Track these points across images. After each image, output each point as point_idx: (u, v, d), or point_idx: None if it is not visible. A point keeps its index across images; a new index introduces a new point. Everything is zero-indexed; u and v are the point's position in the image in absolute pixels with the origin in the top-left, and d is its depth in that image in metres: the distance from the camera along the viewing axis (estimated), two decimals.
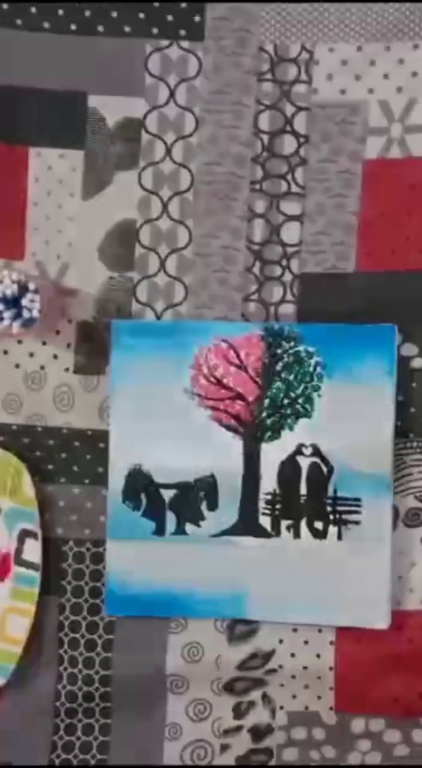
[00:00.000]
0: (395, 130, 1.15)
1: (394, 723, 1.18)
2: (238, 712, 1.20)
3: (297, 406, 1.17)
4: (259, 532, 1.17)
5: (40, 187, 1.18)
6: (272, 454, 1.17)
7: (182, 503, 1.18)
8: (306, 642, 1.19)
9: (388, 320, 1.16)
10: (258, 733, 1.20)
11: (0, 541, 1.19)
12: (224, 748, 1.20)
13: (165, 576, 1.17)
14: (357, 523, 1.16)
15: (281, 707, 1.19)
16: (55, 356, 1.20)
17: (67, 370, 1.20)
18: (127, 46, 1.16)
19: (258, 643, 1.19)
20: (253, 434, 1.17)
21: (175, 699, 1.20)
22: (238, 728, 1.20)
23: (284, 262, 1.18)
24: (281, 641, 1.19)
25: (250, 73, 1.16)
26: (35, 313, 1.09)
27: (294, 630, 1.19)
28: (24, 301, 1.09)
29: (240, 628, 1.19)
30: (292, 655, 1.19)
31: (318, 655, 1.19)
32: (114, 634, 1.20)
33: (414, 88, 1.15)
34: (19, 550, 1.18)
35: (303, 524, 1.17)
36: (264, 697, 1.19)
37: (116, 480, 1.18)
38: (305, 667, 1.19)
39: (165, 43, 1.16)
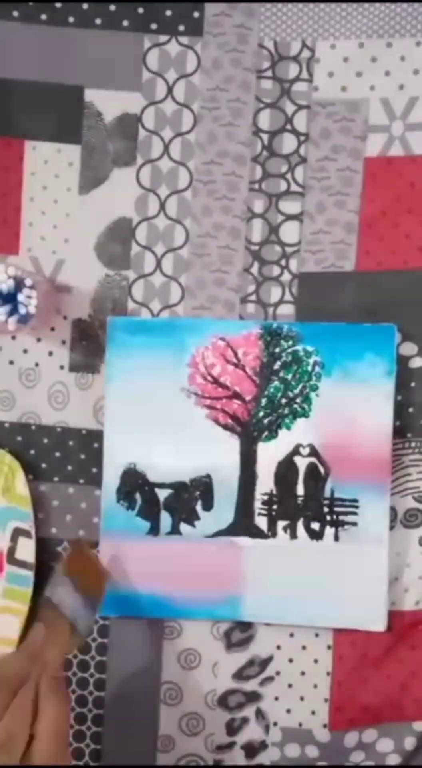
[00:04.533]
0: (396, 127, 1.15)
1: (387, 731, 1.17)
2: (231, 728, 1.19)
3: (295, 406, 1.16)
4: (255, 533, 1.16)
5: (36, 181, 1.17)
6: (269, 454, 1.16)
7: (177, 503, 1.16)
8: (304, 647, 1.18)
9: (388, 320, 1.15)
10: (252, 750, 1.18)
11: None
12: (217, 763, 1.18)
13: (159, 576, 1.16)
14: (354, 524, 1.15)
15: (275, 723, 1.18)
16: (50, 353, 1.19)
17: (61, 367, 1.19)
18: (125, 40, 1.15)
19: (256, 650, 1.18)
20: (250, 434, 1.16)
21: (168, 711, 1.18)
22: (231, 744, 1.19)
23: (283, 262, 1.17)
24: (279, 647, 1.18)
25: (250, 70, 1.16)
26: (32, 309, 1.07)
27: (291, 635, 1.18)
28: (20, 297, 1.07)
29: (237, 635, 1.18)
30: (290, 660, 1.18)
31: (315, 661, 1.18)
32: (108, 638, 1.19)
33: (416, 85, 1.14)
34: (12, 549, 1.16)
35: (299, 525, 1.15)
36: (258, 713, 1.18)
37: (110, 479, 1.16)
38: (303, 673, 1.18)
39: (163, 38, 1.16)
